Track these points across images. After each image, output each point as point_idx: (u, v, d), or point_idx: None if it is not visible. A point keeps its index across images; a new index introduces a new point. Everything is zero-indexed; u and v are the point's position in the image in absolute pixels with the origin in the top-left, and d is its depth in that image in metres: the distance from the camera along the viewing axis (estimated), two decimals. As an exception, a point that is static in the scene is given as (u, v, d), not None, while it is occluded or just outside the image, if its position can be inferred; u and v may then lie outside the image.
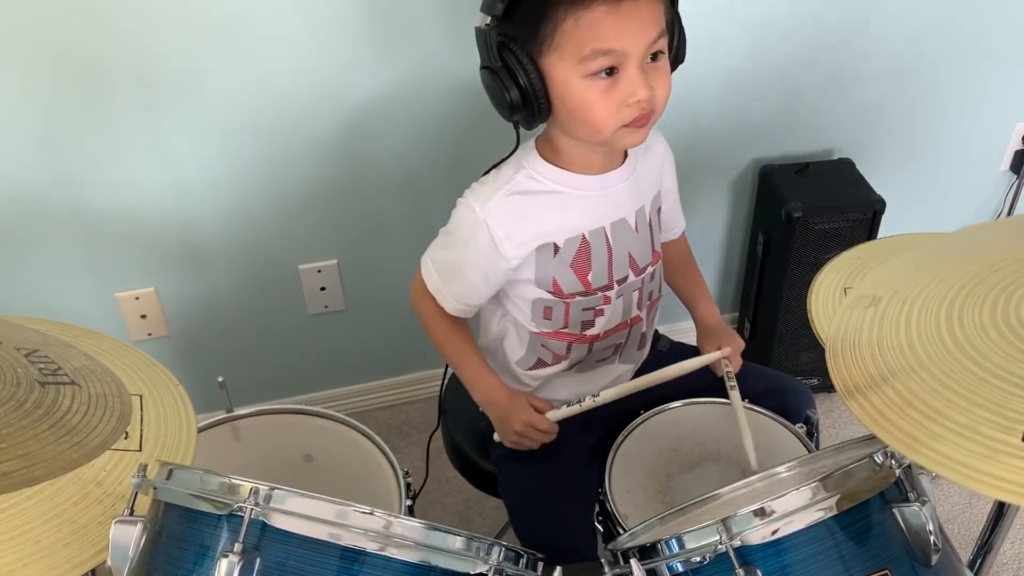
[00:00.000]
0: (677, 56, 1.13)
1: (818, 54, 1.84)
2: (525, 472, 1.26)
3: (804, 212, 1.81)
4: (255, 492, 0.77)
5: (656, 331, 1.41)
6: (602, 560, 0.88)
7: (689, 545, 0.82)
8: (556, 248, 1.17)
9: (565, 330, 1.24)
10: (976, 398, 0.76)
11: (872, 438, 0.85)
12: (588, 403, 1.23)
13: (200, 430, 1.10)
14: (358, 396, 2.06)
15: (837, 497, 0.79)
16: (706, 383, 1.30)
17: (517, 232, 1.15)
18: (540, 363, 1.29)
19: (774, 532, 0.79)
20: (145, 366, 1.05)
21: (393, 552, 0.78)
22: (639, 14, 1.02)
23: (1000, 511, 1.08)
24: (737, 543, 0.79)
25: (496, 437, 1.28)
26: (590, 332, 1.25)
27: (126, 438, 0.90)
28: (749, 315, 2.11)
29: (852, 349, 0.89)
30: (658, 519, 0.97)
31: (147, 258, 1.74)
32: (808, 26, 1.79)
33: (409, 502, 1.15)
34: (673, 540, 0.83)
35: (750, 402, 1.27)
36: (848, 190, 1.88)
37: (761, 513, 0.79)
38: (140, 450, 0.93)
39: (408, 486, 1.16)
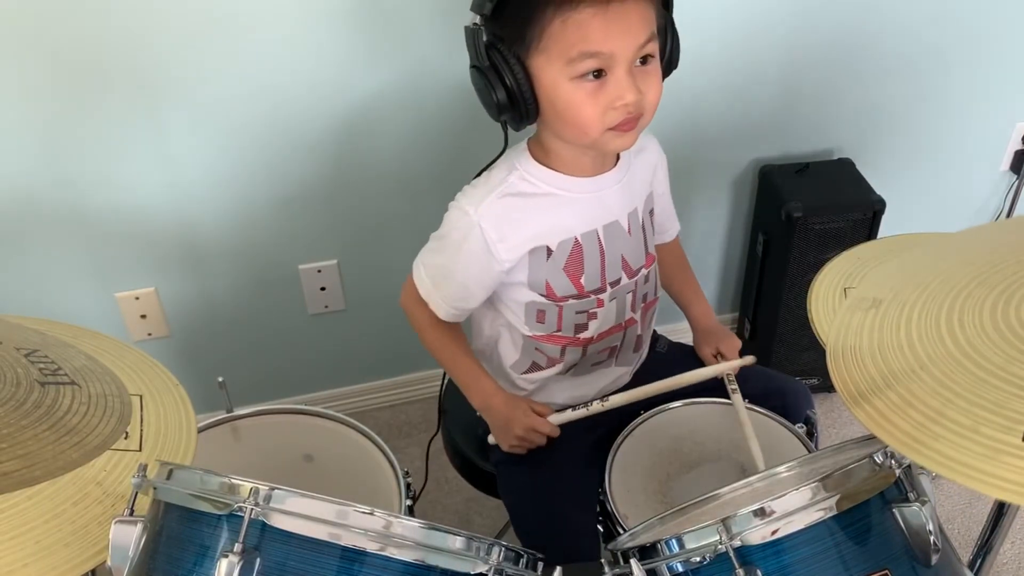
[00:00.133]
0: (670, 61, 1.12)
1: (818, 54, 1.84)
2: (525, 472, 1.25)
3: (804, 212, 1.81)
4: (255, 492, 0.77)
5: (655, 332, 1.41)
6: (602, 560, 0.88)
7: (689, 545, 0.82)
8: (549, 251, 1.17)
9: (558, 333, 1.24)
10: (976, 398, 0.76)
11: (872, 438, 0.85)
12: (596, 407, 1.23)
13: (200, 430, 1.10)
14: (358, 396, 2.06)
15: (837, 497, 0.79)
16: (706, 383, 1.29)
17: (511, 234, 1.14)
18: (535, 366, 1.28)
19: (774, 532, 0.79)
20: (145, 366, 1.05)
21: (393, 552, 0.77)
22: (627, 16, 1.01)
23: (1000, 511, 1.08)
24: (737, 543, 0.79)
25: (491, 440, 1.27)
26: (583, 335, 1.25)
27: (126, 438, 0.90)
28: (749, 315, 2.11)
29: (853, 352, 0.89)
30: (658, 519, 0.97)
31: (147, 258, 1.74)
32: (808, 26, 1.79)
33: (409, 502, 1.15)
34: (673, 540, 0.83)
35: (750, 402, 1.27)
36: (848, 190, 1.88)
37: (761, 513, 0.79)
38: (140, 450, 0.93)
39: (408, 486, 1.16)
